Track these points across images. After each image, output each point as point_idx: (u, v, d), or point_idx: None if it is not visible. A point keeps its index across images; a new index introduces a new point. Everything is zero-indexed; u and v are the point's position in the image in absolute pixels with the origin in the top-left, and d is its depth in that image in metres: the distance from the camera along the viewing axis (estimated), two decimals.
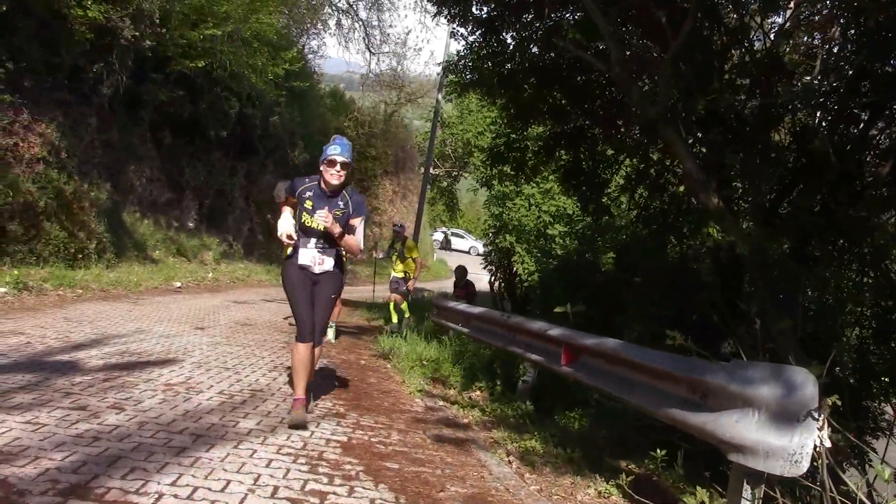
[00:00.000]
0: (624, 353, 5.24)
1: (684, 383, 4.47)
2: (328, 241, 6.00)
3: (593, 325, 11.47)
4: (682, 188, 12.95)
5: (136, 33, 16.84)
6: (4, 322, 9.26)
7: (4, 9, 13.15)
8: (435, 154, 33.83)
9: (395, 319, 13.54)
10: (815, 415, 3.68)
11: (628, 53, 8.87)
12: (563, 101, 12.92)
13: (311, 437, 5.43)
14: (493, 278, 26.79)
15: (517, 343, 7.87)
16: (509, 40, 12.82)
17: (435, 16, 12.72)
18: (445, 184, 32.93)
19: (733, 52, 11.19)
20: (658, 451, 5.17)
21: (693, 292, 9.94)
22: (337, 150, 5.88)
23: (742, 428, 3.83)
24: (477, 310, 10.17)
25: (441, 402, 7.73)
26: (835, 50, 10.74)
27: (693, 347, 4.31)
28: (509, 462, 5.65)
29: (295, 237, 5.95)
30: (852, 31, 9.94)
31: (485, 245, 49.05)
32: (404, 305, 13.52)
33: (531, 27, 12.40)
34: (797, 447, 3.65)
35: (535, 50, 12.44)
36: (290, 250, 6.12)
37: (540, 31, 12.21)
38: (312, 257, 6.01)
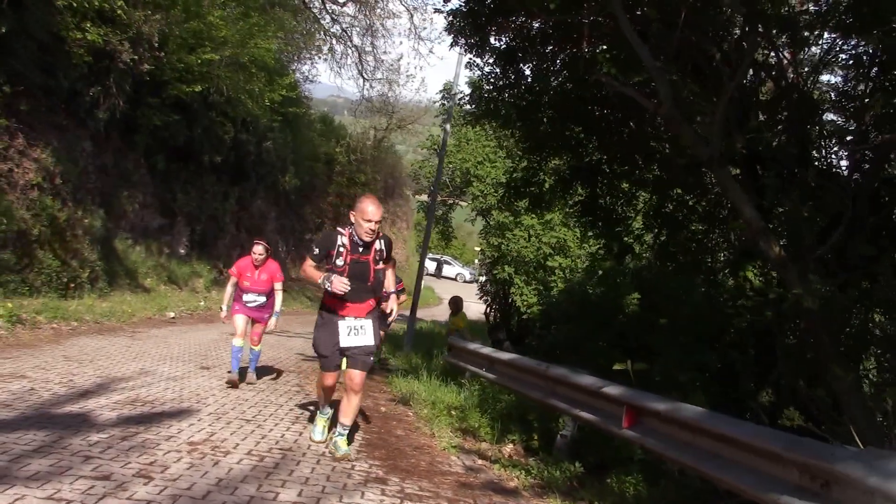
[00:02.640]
0: (708, 424, 4.78)
1: (794, 467, 4.01)
2: None
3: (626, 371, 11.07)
4: (700, 227, 12.61)
5: (135, 57, 16.46)
6: (2, 362, 8.72)
7: (3, 30, 12.65)
8: (431, 182, 33.40)
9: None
10: None
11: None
12: (581, 135, 12.56)
13: None
14: (488, 309, 26.37)
15: (559, 396, 7.37)
16: (527, 71, 12.46)
17: (451, 46, 12.33)
18: (440, 212, 32.52)
19: (763, 88, 10.90)
20: None
21: (728, 342, 9.57)
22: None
23: None
24: (506, 355, 9.67)
25: (479, 461, 7.23)
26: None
27: (816, 430, 3.86)
28: None
29: None
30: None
31: (478, 274, 48.53)
32: None
33: (551, 58, 12.05)
34: None
35: (554, 82, 12.06)
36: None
37: (561, 62, 11.86)
38: None
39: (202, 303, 21.05)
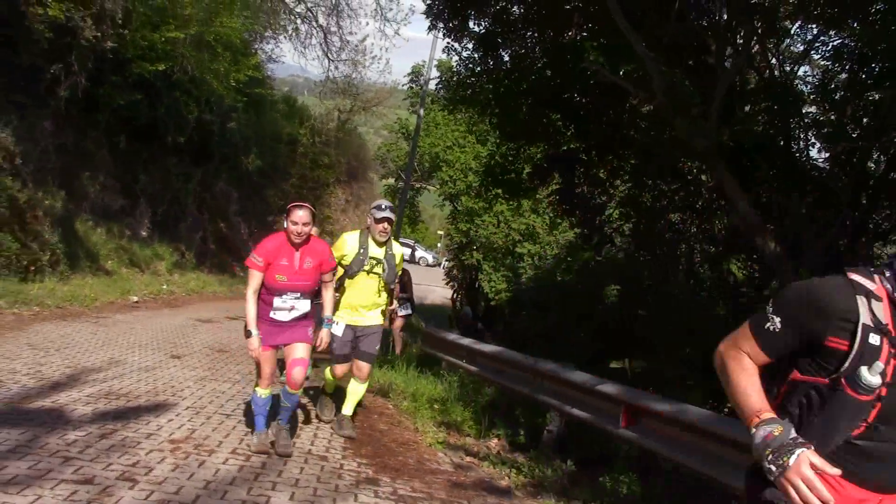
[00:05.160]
0: (717, 428, 4.67)
1: None
2: None
3: (604, 361, 11.00)
4: (678, 216, 12.58)
5: (97, 34, 15.88)
6: None
7: None
8: (399, 165, 33.06)
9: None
10: None
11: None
12: (559, 123, 12.43)
13: None
14: (455, 294, 26.27)
15: (548, 392, 7.24)
16: (506, 57, 12.28)
17: (430, 30, 12.09)
18: (409, 195, 32.31)
19: (747, 79, 10.84)
20: None
21: (711, 335, 9.49)
22: None
23: None
24: (489, 348, 9.51)
25: (467, 458, 7.08)
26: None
27: None
28: None
29: None
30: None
31: (441, 259, 48.24)
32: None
33: (531, 45, 11.90)
34: None
35: (534, 68, 11.92)
36: None
37: (541, 49, 11.71)
38: None
39: (165, 286, 20.63)
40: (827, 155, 10.11)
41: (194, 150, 24.53)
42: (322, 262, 5.84)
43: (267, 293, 5.69)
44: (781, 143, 9.14)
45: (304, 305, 5.77)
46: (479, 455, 7.21)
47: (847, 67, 10.06)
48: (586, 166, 12.71)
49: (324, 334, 6.00)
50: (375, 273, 6.66)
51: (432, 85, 26.13)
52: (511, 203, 20.85)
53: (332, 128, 42.28)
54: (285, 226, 5.63)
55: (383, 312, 7.04)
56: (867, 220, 9.28)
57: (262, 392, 5.95)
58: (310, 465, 5.77)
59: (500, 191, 14.68)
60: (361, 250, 6.65)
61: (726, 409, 9.82)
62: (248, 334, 5.63)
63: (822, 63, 11.11)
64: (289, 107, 41.07)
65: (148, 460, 5.24)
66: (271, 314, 5.68)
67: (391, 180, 36.91)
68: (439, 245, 55.95)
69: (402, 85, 35.01)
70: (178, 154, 23.59)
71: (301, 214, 5.55)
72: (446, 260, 40.98)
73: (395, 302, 7.10)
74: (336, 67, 36.01)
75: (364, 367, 6.88)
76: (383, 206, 6.70)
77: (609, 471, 6.47)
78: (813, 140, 10.54)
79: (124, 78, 18.48)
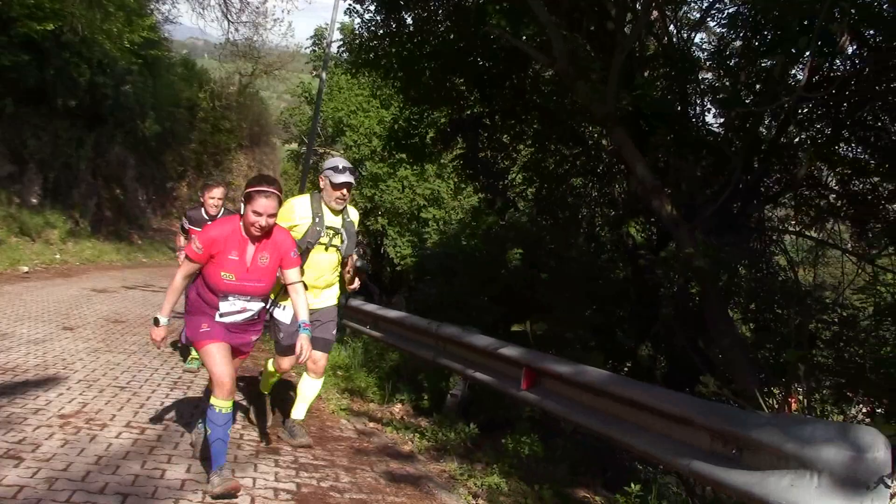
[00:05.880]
0: (614, 388, 4.74)
1: (706, 432, 4.01)
2: None
3: (508, 325, 11.10)
4: (578, 180, 12.75)
5: None
6: None
7: None
8: (302, 130, 32.49)
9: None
10: (888, 481, 3.31)
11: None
12: (462, 87, 12.38)
13: (255, 488, 4.65)
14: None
15: (451, 356, 7.25)
16: (409, 20, 12.13)
17: None
18: (311, 161, 31.71)
19: (646, 45, 10.99)
20: (633, 485, 4.80)
21: (607, 298, 9.71)
22: None
23: (800, 494, 3.40)
24: (393, 313, 9.45)
25: (370, 424, 7.05)
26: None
27: (731, 396, 3.86)
28: None
29: None
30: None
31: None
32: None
33: (434, 7, 11.78)
34: None
35: (438, 31, 11.82)
36: None
37: (444, 12, 11.61)
38: None
39: (58, 255, 19.89)
40: (721, 120, 10.36)
41: (87, 114, 23.65)
42: (283, 258, 4.62)
43: (209, 293, 4.56)
44: (678, 108, 9.32)
45: (256, 306, 4.67)
46: (383, 421, 7.19)
47: (741, 35, 10.28)
48: (490, 131, 12.72)
49: (303, 341, 4.57)
50: (334, 245, 5.52)
51: (335, 48, 25.82)
52: (415, 168, 20.77)
53: (233, 92, 41.37)
54: (242, 211, 4.47)
55: (343, 289, 5.99)
56: (759, 184, 9.58)
57: (222, 404, 4.46)
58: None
59: (404, 155, 14.59)
60: (317, 219, 5.45)
61: (625, 370, 10.10)
62: (155, 322, 4.61)
63: (718, 30, 11.34)
64: (187, 70, 39.91)
65: (35, 436, 5.04)
66: (217, 318, 4.57)
67: (294, 145, 36.37)
68: None
69: (305, 48, 34.52)
70: (69, 118, 22.67)
71: (267, 204, 4.34)
72: None
73: (356, 281, 5.94)
74: (236, 30, 34.98)
75: (320, 357, 5.85)
76: (341, 168, 5.46)
77: (512, 433, 6.55)
78: (708, 106, 10.84)
79: (9, 38, 17.60)
